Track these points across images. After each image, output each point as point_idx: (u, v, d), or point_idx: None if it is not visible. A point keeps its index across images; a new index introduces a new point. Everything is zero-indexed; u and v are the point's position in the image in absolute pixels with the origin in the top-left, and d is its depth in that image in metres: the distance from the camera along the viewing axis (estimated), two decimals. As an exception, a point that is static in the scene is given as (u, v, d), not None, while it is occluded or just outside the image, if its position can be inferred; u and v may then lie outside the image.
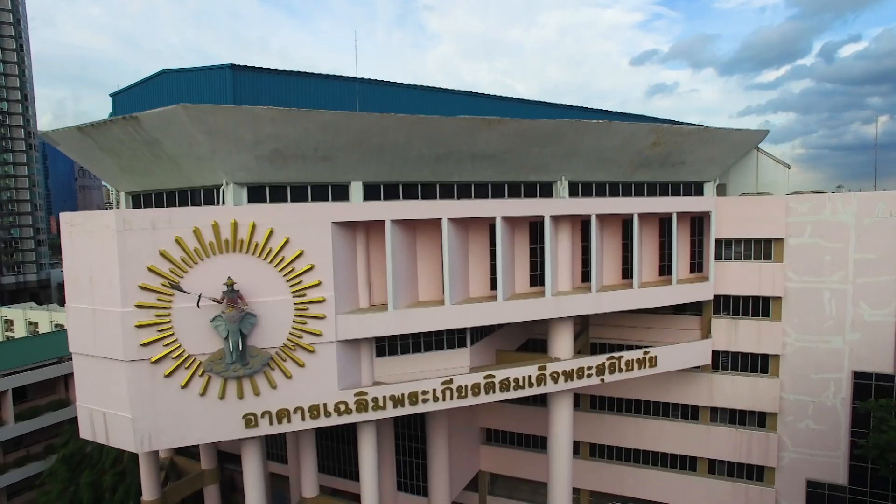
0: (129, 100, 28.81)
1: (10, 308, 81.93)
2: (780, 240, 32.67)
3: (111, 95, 29.12)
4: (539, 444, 39.79)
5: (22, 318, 77.16)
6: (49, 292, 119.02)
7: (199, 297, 22.36)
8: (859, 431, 32.02)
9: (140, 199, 27.77)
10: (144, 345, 22.25)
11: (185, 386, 22.93)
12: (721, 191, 37.69)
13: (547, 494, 33.96)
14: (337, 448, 39.59)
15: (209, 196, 25.62)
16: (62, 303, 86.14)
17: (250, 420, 24.13)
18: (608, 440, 38.54)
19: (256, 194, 24.97)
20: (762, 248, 33.29)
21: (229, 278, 22.68)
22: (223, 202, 24.42)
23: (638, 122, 34.85)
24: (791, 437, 34.00)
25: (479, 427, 41.68)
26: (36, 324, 76.29)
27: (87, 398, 24.03)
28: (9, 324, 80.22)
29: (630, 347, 36.60)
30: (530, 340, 38.81)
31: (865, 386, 31.80)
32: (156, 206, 27.10)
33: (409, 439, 37.84)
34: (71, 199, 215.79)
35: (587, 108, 38.09)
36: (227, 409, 23.74)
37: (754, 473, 35.37)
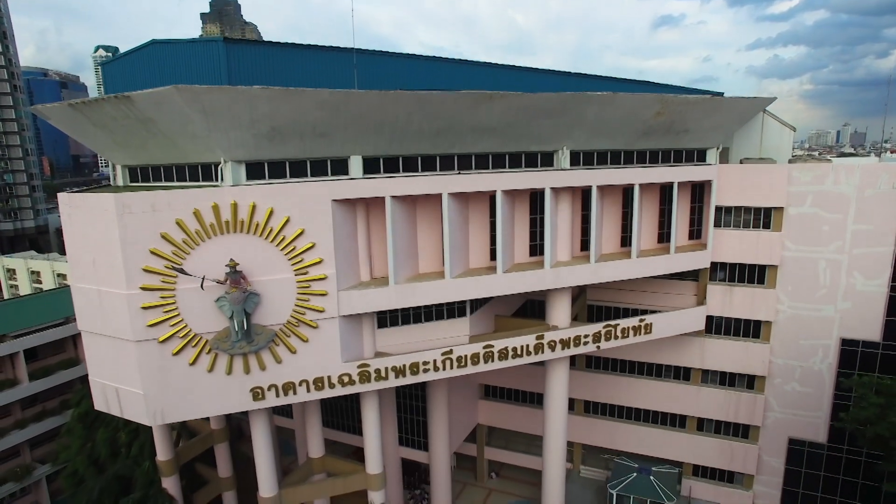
0: (117, 71, 27.68)
1: (11, 258, 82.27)
2: (780, 209, 32.63)
3: (101, 66, 28.05)
4: (535, 399, 41.37)
5: (24, 267, 77.57)
6: (48, 238, 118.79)
7: (203, 279, 22.61)
8: (842, 394, 33.36)
9: (137, 173, 27.39)
10: (151, 325, 22.72)
11: (193, 363, 23.62)
12: (724, 155, 37.13)
13: (542, 446, 35.78)
14: (339, 404, 41.11)
15: (207, 172, 25.28)
16: (62, 249, 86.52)
17: (257, 393, 25.02)
18: (602, 398, 40.11)
19: (255, 170, 24.59)
20: (761, 217, 33.30)
21: (231, 260, 22.82)
22: (221, 179, 24.16)
23: (642, 91, 33.90)
24: (777, 398, 35.42)
25: (478, 383, 43.17)
26: (38, 273, 76.87)
27: (99, 373, 24.79)
28: (11, 272, 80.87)
29: (627, 310, 37.47)
30: (528, 302, 39.44)
31: (852, 353, 32.81)
32: (153, 181, 26.78)
33: (410, 397, 39.26)
34: (62, 139, 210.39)
35: (590, 75, 36.96)
36: (234, 383, 24.57)
37: (740, 431, 37.12)
